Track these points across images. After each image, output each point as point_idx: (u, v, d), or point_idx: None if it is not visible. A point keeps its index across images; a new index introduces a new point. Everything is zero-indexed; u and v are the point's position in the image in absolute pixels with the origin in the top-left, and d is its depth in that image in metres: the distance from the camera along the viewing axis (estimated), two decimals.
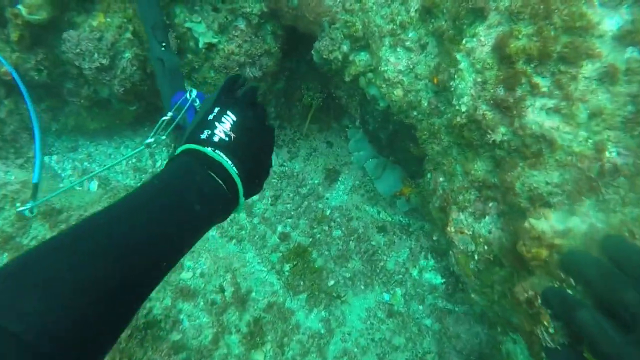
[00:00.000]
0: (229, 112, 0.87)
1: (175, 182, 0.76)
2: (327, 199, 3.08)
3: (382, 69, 2.01)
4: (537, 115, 1.22)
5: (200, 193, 0.76)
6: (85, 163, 3.14)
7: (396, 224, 3.02)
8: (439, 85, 1.65)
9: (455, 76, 1.47)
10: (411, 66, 1.92)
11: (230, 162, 0.80)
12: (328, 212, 2.99)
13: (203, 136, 0.83)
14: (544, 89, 1.23)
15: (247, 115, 0.89)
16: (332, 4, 2.24)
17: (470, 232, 1.40)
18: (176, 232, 0.71)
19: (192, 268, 2.81)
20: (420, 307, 2.80)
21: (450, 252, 1.46)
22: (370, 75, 2.15)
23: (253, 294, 2.68)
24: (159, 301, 2.65)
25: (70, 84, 2.58)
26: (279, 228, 2.86)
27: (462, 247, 1.39)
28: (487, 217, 1.44)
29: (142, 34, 2.23)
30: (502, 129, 1.30)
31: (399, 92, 1.98)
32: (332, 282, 2.68)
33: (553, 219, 1.11)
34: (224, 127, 0.83)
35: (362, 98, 2.44)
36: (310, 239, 2.81)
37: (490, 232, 1.42)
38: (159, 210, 0.70)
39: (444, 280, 2.87)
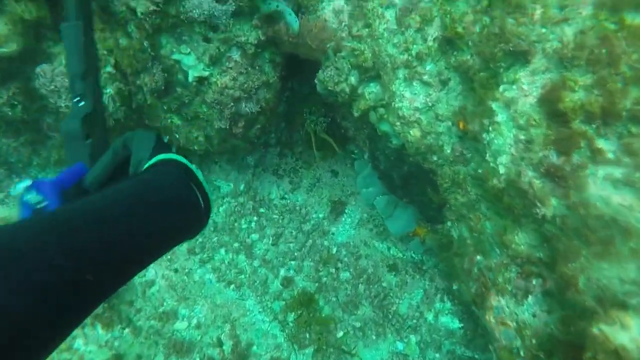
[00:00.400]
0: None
1: (165, 187, 0.79)
2: (333, 234, 2.83)
3: (396, 105, 1.76)
4: (600, 188, 0.98)
5: (185, 206, 0.81)
6: None
7: (408, 262, 2.76)
8: (467, 132, 1.41)
9: (490, 129, 1.22)
10: (430, 104, 1.68)
11: (206, 183, 0.87)
12: (334, 250, 2.74)
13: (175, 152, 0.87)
14: (609, 155, 0.98)
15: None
16: (337, 28, 2.00)
17: (514, 323, 1.15)
18: (153, 232, 0.72)
19: (187, 317, 2.54)
20: (437, 356, 2.55)
21: (490, 346, 1.21)
22: (381, 110, 1.90)
23: (254, 348, 2.42)
24: (149, 359, 2.40)
25: (50, 119, 2.35)
26: (282, 272, 2.60)
27: (505, 342, 1.14)
28: (530, 298, 1.19)
29: (125, 67, 1.98)
30: (554, 202, 1.05)
31: (415, 132, 1.74)
32: (340, 334, 2.43)
33: (634, 327, 0.86)
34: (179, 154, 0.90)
35: (371, 131, 2.19)
36: (316, 284, 2.56)
37: (534, 316, 1.17)
38: (143, 208, 0.71)
39: (462, 324, 2.62)
